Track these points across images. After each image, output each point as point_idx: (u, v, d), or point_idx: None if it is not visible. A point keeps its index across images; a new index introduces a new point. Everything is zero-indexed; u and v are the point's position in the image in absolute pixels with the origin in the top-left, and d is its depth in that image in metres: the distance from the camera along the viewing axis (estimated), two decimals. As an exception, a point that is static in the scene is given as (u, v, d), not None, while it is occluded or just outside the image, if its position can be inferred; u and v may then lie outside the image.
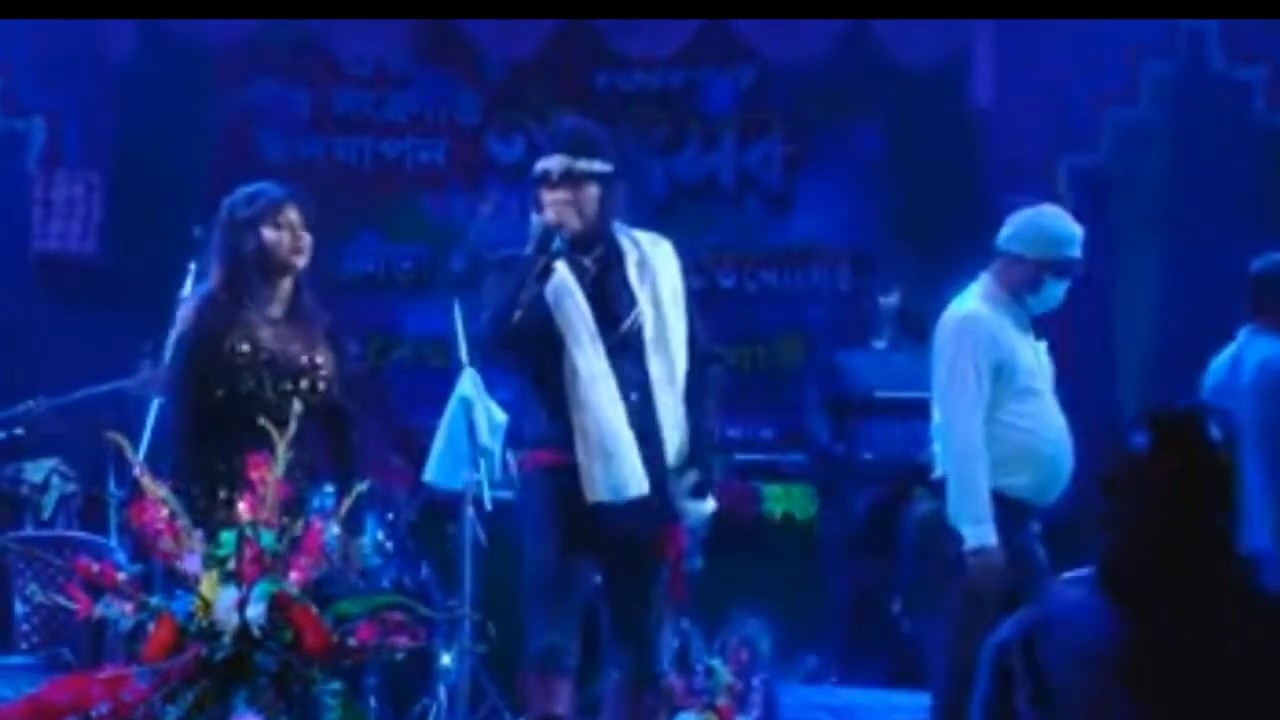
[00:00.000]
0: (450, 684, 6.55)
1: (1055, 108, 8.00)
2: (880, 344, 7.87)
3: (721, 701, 6.38)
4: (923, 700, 6.14)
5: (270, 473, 4.11)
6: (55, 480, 7.14)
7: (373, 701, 6.49)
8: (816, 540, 7.78)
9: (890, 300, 7.85)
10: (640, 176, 8.46)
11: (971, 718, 2.98)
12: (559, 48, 8.31)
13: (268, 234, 5.07)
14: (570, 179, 5.04)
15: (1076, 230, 5.53)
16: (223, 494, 4.78)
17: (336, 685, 4.07)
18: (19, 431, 6.81)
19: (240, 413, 4.92)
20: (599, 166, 5.06)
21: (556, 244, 4.97)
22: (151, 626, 4.06)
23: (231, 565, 4.04)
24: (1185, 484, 2.84)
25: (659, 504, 5.00)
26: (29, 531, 6.95)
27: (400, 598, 4.61)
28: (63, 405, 6.62)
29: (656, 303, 5.09)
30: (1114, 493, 2.88)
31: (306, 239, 5.10)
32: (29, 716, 3.96)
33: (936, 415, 5.50)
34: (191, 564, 4.07)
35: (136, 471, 4.27)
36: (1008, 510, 5.34)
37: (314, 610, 4.03)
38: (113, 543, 6.59)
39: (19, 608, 6.44)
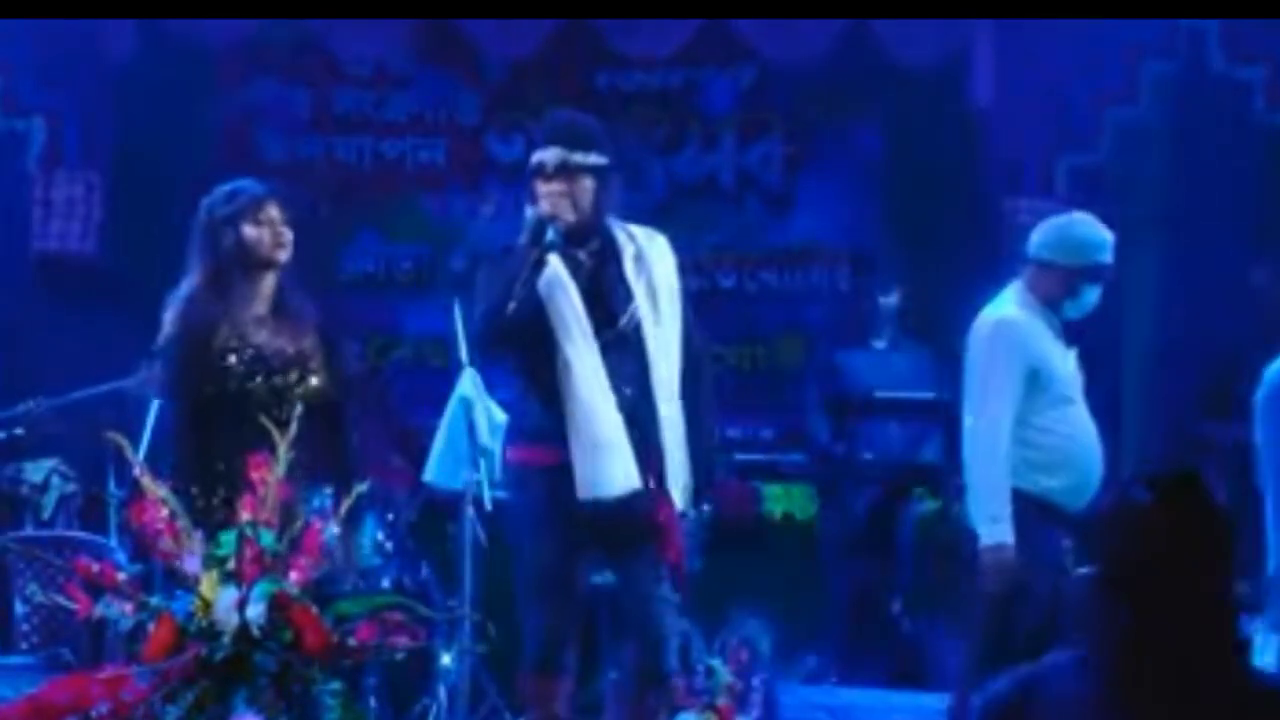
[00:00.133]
0: (450, 684, 6.55)
1: (1055, 108, 7.99)
2: (880, 344, 7.88)
3: (721, 701, 6.37)
4: (923, 700, 6.14)
5: (270, 473, 4.11)
6: (55, 480, 7.14)
7: (373, 701, 6.49)
8: (816, 540, 7.78)
9: (890, 300, 7.85)
10: (640, 176, 8.47)
11: None
12: (559, 48, 8.31)
13: (248, 231, 5.07)
14: (565, 171, 5.03)
15: (1108, 235, 5.62)
16: (222, 493, 4.78)
17: (336, 685, 4.07)
18: (19, 431, 6.81)
19: (234, 410, 4.93)
20: (594, 159, 5.06)
21: (550, 236, 4.96)
22: (151, 626, 4.06)
23: (231, 565, 4.05)
24: (1185, 554, 2.80)
25: (655, 498, 4.98)
26: (29, 531, 6.95)
27: (400, 598, 4.61)
28: (63, 405, 6.63)
29: (652, 297, 5.08)
30: (1109, 559, 2.86)
31: (287, 235, 5.10)
32: (29, 716, 3.96)
33: (968, 419, 5.53)
34: (191, 564, 4.07)
35: (136, 471, 4.27)
36: (1039, 513, 5.42)
37: (314, 610, 4.04)
38: (113, 543, 6.59)
39: (19, 608, 6.44)
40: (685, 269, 5.28)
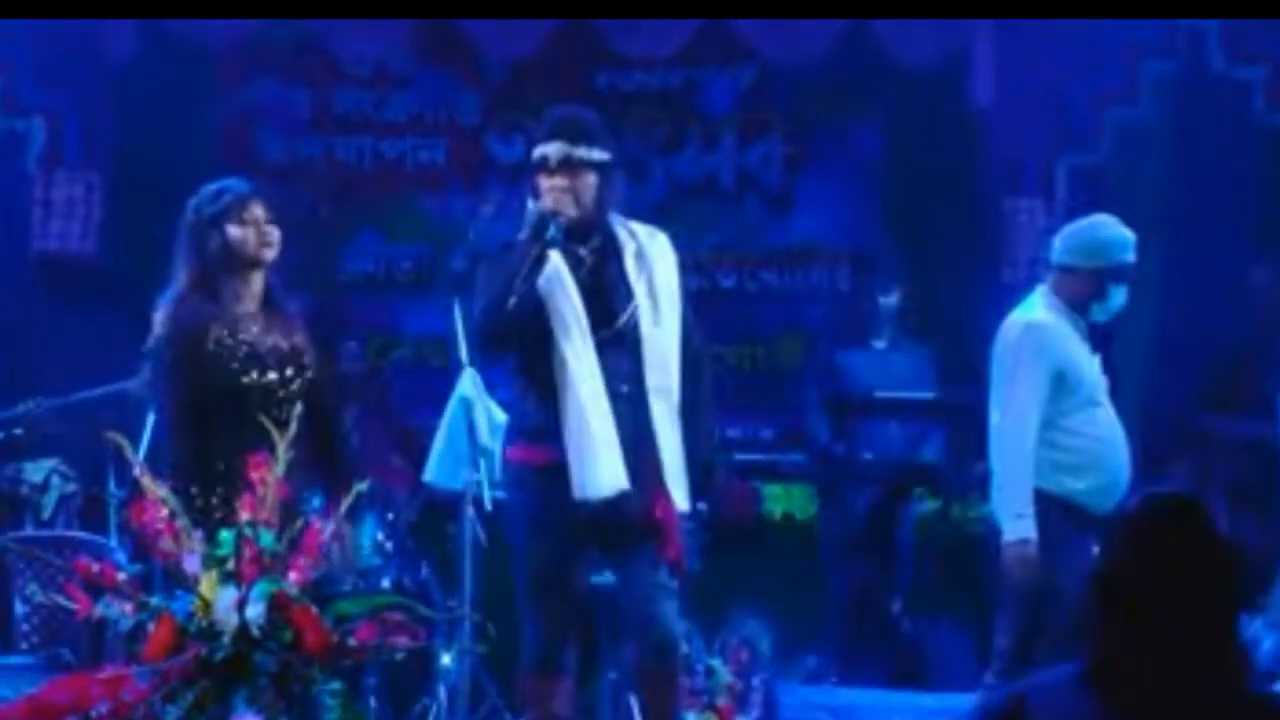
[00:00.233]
0: (450, 684, 6.54)
1: (1055, 108, 8.00)
2: (880, 344, 7.87)
3: (721, 701, 6.38)
4: (923, 700, 6.15)
5: (270, 473, 4.11)
6: (55, 480, 7.14)
7: (373, 701, 6.49)
8: (816, 540, 7.78)
9: (890, 300, 7.85)
10: (640, 176, 8.47)
11: None
12: (559, 48, 8.31)
13: (233, 231, 5.06)
14: (568, 166, 5.00)
15: (1130, 235, 5.67)
16: (221, 493, 4.78)
17: (336, 685, 4.07)
18: (19, 431, 6.81)
19: (232, 409, 4.92)
20: (598, 155, 5.03)
21: (551, 231, 4.93)
22: (151, 626, 4.06)
23: (231, 565, 4.05)
24: (1177, 572, 2.79)
25: (653, 498, 4.97)
26: (29, 531, 6.95)
27: (400, 598, 4.61)
28: (63, 405, 6.62)
29: (653, 296, 5.05)
30: (1108, 584, 2.85)
31: (273, 233, 5.09)
32: (29, 716, 3.97)
33: (994, 418, 5.58)
34: (191, 564, 4.07)
35: (136, 471, 4.27)
36: (1066, 514, 5.48)
37: (314, 610, 4.04)
38: (113, 543, 6.59)
39: (19, 608, 6.44)
40: (685, 269, 5.26)
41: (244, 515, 4.09)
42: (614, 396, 4.96)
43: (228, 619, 4.00)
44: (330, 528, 4.20)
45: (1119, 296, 5.65)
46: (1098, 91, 8.01)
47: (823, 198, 8.91)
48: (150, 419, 6.10)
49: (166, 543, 4.10)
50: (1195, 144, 8.00)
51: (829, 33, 7.91)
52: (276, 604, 4.01)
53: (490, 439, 6.09)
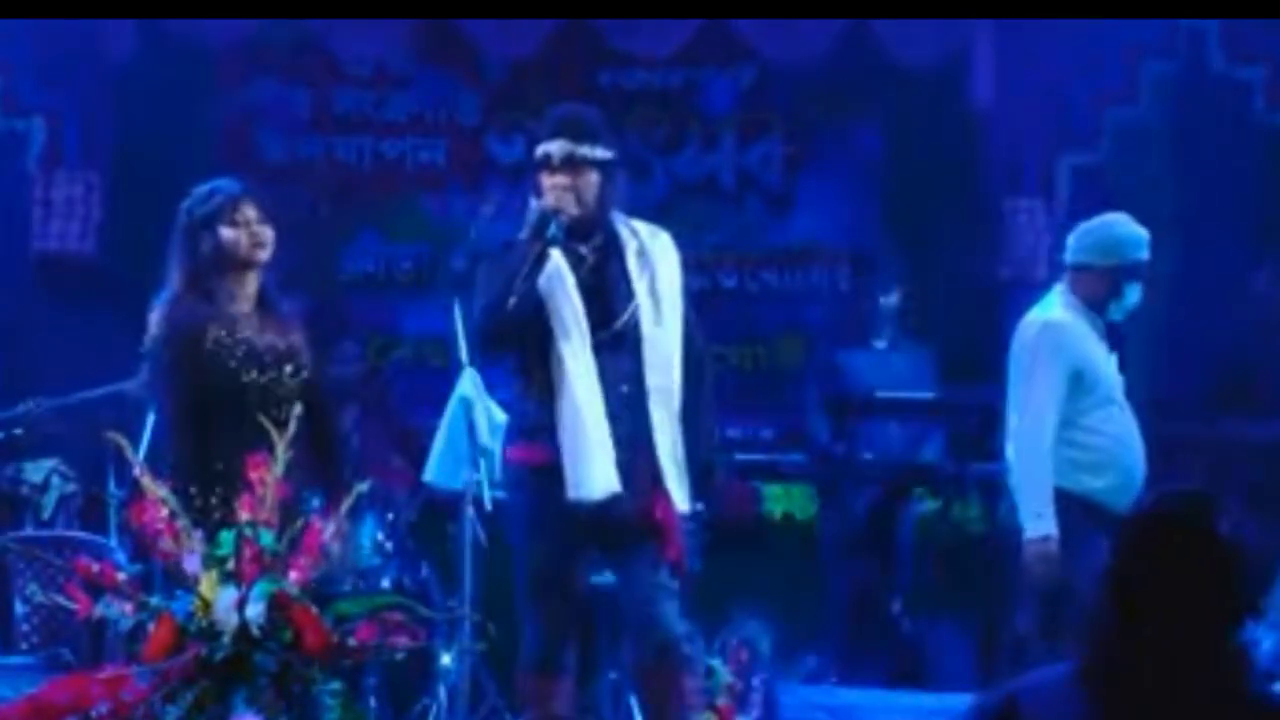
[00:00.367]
0: (450, 684, 6.55)
1: (1055, 108, 8.00)
2: (880, 344, 7.87)
3: (721, 701, 6.38)
4: (923, 700, 6.14)
5: (269, 472, 4.11)
6: (55, 480, 7.14)
7: (373, 701, 6.49)
8: (816, 540, 7.77)
9: (890, 300, 7.85)
10: (641, 176, 8.47)
11: None
12: (559, 48, 8.31)
13: (225, 232, 5.06)
14: (571, 163, 4.99)
15: (1144, 233, 5.71)
16: (220, 493, 4.77)
17: (336, 685, 4.07)
18: (19, 431, 6.81)
19: (231, 408, 4.92)
20: (601, 153, 5.03)
21: (553, 229, 4.92)
22: (151, 626, 4.06)
23: (231, 565, 4.05)
24: (1180, 573, 2.79)
25: (653, 498, 4.96)
26: (29, 531, 6.95)
27: (400, 598, 4.61)
28: (62, 405, 6.62)
29: (654, 295, 5.05)
30: (1114, 582, 2.85)
31: (266, 234, 5.08)
32: (29, 716, 3.97)
33: (1012, 418, 5.60)
34: (191, 564, 4.07)
35: (136, 471, 4.27)
36: (1085, 513, 5.51)
37: (314, 610, 4.04)
38: (113, 543, 6.59)
39: (19, 608, 6.44)
40: (686, 268, 5.26)
41: (244, 515, 4.09)
42: (614, 396, 4.95)
43: (228, 619, 4.00)
44: (330, 528, 4.20)
45: (1134, 294, 5.69)
46: (1098, 91, 8.01)
47: (823, 198, 8.91)
48: (150, 419, 6.10)
49: (166, 543, 4.10)
50: (1195, 144, 8.00)
51: (829, 33, 7.91)
52: (276, 604, 4.01)
53: (490, 439, 6.09)
